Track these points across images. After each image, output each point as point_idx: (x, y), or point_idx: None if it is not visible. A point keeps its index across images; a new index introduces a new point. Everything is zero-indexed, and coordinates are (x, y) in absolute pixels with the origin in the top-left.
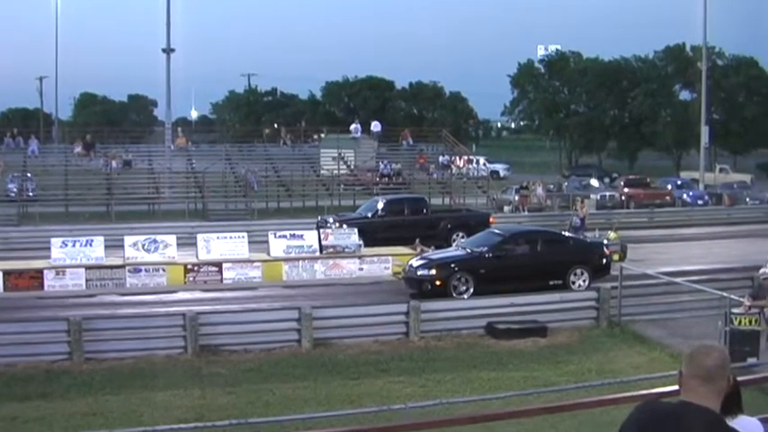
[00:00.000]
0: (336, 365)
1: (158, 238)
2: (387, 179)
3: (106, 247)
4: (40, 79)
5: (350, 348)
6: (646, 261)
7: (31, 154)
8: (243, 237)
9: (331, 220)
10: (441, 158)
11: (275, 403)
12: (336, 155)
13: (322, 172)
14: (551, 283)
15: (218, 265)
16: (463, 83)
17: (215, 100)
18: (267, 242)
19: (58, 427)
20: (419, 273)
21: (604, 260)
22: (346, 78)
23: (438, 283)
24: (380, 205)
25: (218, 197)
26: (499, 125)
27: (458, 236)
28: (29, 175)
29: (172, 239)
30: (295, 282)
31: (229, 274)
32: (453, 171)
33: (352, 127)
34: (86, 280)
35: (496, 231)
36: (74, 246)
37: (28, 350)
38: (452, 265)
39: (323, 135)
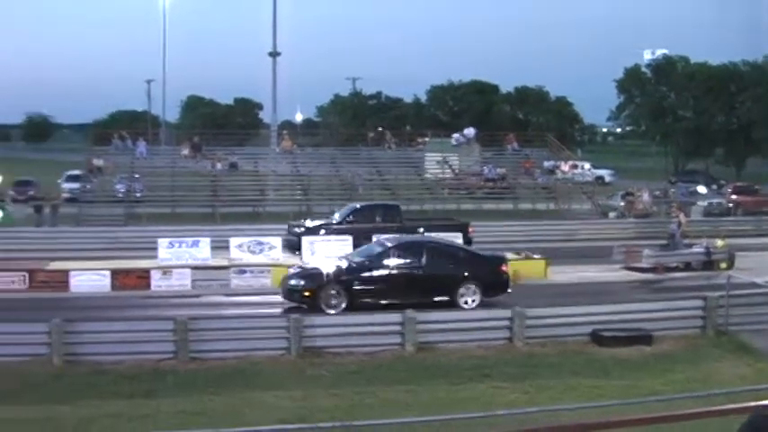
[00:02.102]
0: (439, 370)
1: (263, 240)
2: (491, 183)
3: (212, 248)
4: (148, 82)
5: (453, 353)
6: (754, 270)
7: (139, 155)
8: (347, 240)
9: (299, 227)
10: (545, 163)
11: (377, 406)
12: (441, 159)
13: (426, 176)
14: (436, 299)
15: None
16: (569, 87)
17: (320, 103)
18: None
19: (163, 425)
20: (290, 282)
21: (500, 276)
22: (451, 82)
23: (307, 294)
24: (350, 211)
25: (322, 200)
26: (605, 130)
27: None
28: (136, 176)
29: (276, 241)
30: None
31: None
32: (558, 176)
33: (465, 132)
34: (192, 280)
35: (382, 241)
36: (180, 246)
37: (134, 348)
38: (324, 277)
39: (427, 139)
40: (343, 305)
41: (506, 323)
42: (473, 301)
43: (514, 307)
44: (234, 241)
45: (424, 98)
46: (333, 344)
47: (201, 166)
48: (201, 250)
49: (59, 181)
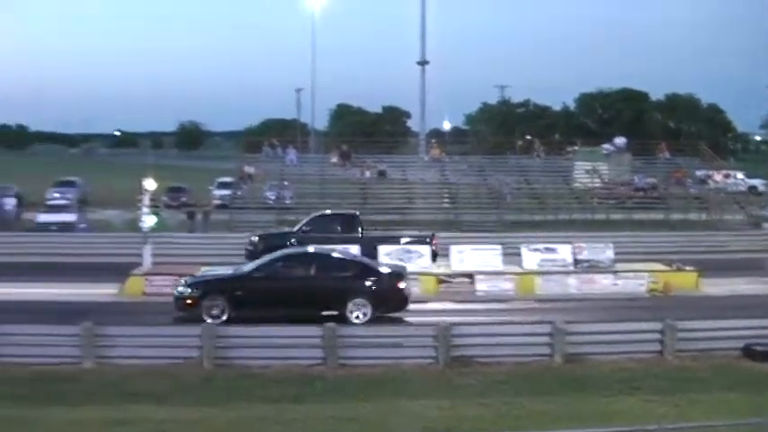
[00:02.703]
0: (588, 381)
1: (412, 248)
2: (641, 193)
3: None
4: (298, 91)
5: (602, 365)
6: None
7: (289, 163)
8: (496, 249)
9: (255, 238)
10: (697, 173)
11: (525, 417)
12: (590, 168)
13: (575, 185)
14: (324, 313)
15: (471, 276)
16: (720, 94)
17: (468, 111)
18: (520, 255)
19: (312, 431)
20: (178, 290)
21: (394, 291)
22: (600, 90)
23: (189, 302)
24: (306, 220)
25: (470, 208)
26: (758, 138)
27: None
28: (286, 183)
29: (426, 250)
30: (548, 295)
31: (482, 285)
32: (710, 186)
33: (616, 141)
34: None
35: (277, 252)
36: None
37: (283, 354)
38: (205, 285)
39: (576, 147)
40: (225, 316)
41: (657, 336)
42: (363, 315)
43: (665, 319)
44: (382, 249)
45: (572, 106)
46: (481, 353)
47: (350, 174)
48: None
49: (211, 188)
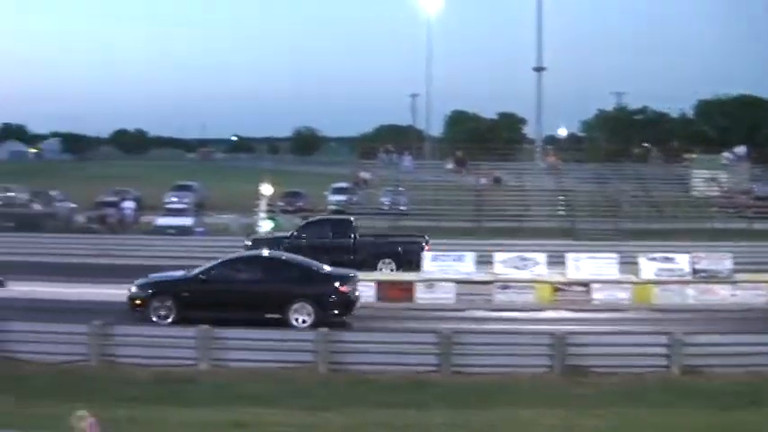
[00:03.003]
0: (706, 394)
1: (528, 255)
2: (762, 202)
3: (475, 262)
4: (413, 96)
5: (720, 377)
6: None
7: (404, 169)
8: (613, 257)
9: (249, 242)
10: None
11: (640, 429)
12: (709, 176)
13: (693, 193)
14: (267, 316)
15: (587, 285)
16: None
17: (584, 117)
18: (637, 264)
19: None
20: (131, 290)
21: (337, 296)
22: (718, 97)
23: (138, 303)
24: (300, 226)
25: (586, 216)
26: None
27: (384, 263)
28: (401, 189)
29: (541, 257)
30: (665, 305)
31: (598, 294)
32: None
33: (736, 150)
34: (456, 294)
35: (229, 256)
36: (445, 260)
37: (397, 359)
38: (155, 287)
39: (694, 155)
40: (172, 317)
41: None
42: (306, 319)
43: None
44: (498, 256)
45: (690, 113)
46: (596, 363)
47: (466, 181)
48: (465, 264)
49: (326, 193)
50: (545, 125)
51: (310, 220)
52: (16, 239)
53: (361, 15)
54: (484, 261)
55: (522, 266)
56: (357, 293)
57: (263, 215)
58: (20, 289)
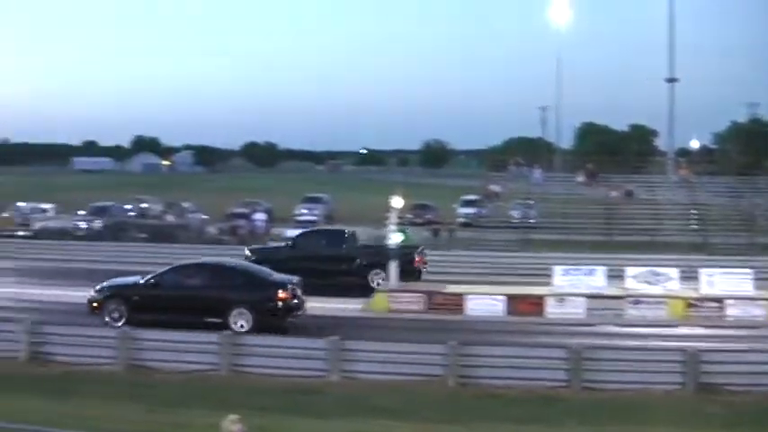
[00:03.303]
0: None
1: (660, 270)
2: None
3: (607, 277)
4: (543, 109)
5: None
6: None
7: (534, 182)
8: (747, 273)
9: (248, 252)
10: None
11: None
12: None
13: None
14: (208, 320)
15: (721, 300)
16: None
17: (717, 129)
18: None
19: None
20: (90, 294)
21: (275, 302)
22: None
23: (96, 305)
24: (293, 236)
25: (719, 231)
26: None
27: (376, 273)
28: (531, 202)
29: (674, 272)
30: None
31: (732, 310)
32: None
33: None
34: (586, 309)
35: (178, 263)
36: (575, 274)
37: (527, 374)
38: (109, 291)
39: None
40: (123, 320)
41: None
42: (244, 325)
43: None
44: (630, 271)
45: None
46: (730, 381)
47: (596, 194)
48: (596, 279)
49: (455, 205)
50: (677, 137)
51: (306, 231)
52: (150, 250)
53: (490, 28)
54: (615, 275)
55: (654, 281)
56: (298, 300)
57: (392, 227)
58: None
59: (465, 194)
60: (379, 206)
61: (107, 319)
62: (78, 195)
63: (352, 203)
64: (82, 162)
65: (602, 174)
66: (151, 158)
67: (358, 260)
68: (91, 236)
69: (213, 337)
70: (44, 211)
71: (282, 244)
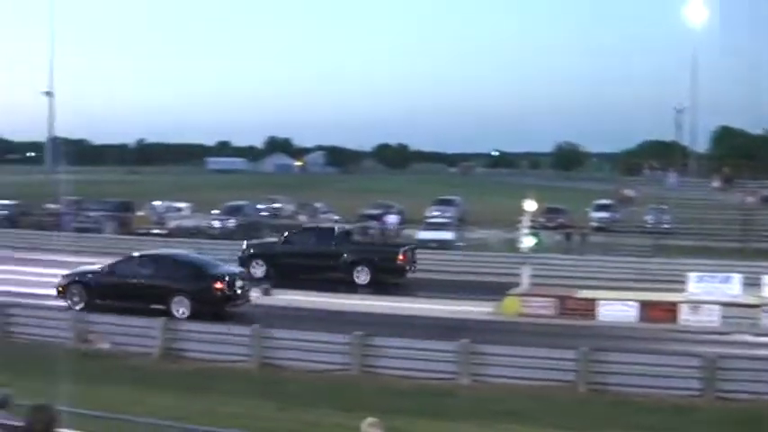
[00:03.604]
0: None
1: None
2: None
3: (743, 284)
4: (678, 111)
5: None
6: None
7: (669, 186)
8: None
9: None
10: None
11: None
12: None
13: None
14: (153, 306)
15: None
16: None
17: None
18: None
19: None
20: (58, 280)
21: (211, 292)
22: None
23: (60, 290)
24: (287, 233)
25: None
26: None
27: (361, 270)
28: (665, 207)
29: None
30: None
31: None
32: None
33: None
34: (721, 317)
35: (132, 254)
36: (710, 281)
37: (658, 382)
38: (71, 277)
39: None
40: (82, 304)
41: None
42: (183, 311)
43: None
44: (766, 279)
45: None
46: None
47: (732, 199)
48: (732, 286)
49: (588, 209)
50: None
51: (300, 228)
52: None
53: (624, 28)
54: (751, 283)
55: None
56: (240, 290)
57: (525, 231)
58: (284, 297)
59: (598, 198)
60: (512, 209)
61: (69, 302)
62: (212, 195)
63: (484, 206)
64: (216, 162)
65: (738, 179)
66: (283, 159)
67: (344, 257)
68: (224, 235)
69: (345, 337)
70: (179, 210)
71: (277, 240)
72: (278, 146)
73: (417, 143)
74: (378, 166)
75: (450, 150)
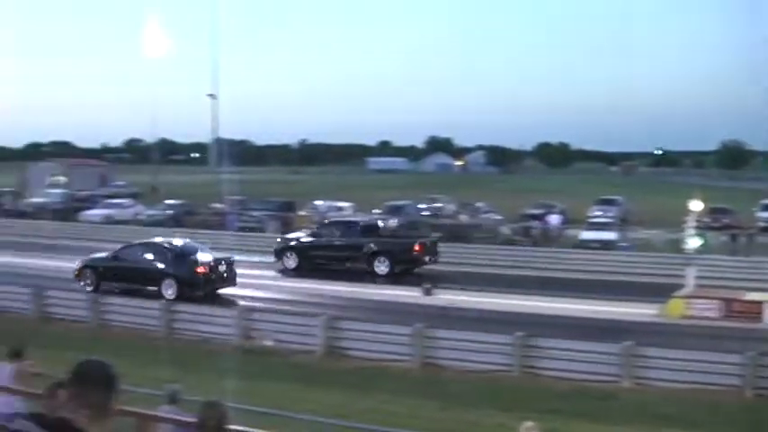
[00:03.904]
0: None
1: None
2: None
3: None
4: None
5: None
6: None
7: None
8: None
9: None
10: None
11: None
12: None
13: None
14: (148, 288)
15: None
16: None
17: None
18: None
19: None
20: (75, 264)
21: (193, 276)
22: None
23: (76, 274)
24: (318, 226)
25: None
26: None
27: (380, 261)
28: None
29: None
30: None
31: None
32: None
33: None
34: None
35: (134, 242)
36: None
37: None
38: (85, 262)
39: None
40: (93, 286)
41: None
42: (171, 293)
43: None
44: None
45: None
46: None
47: None
48: None
49: (754, 209)
50: None
51: (327, 221)
52: (443, 249)
53: None
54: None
55: None
56: (225, 275)
57: (690, 231)
58: (446, 297)
59: (765, 198)
60: (675, 209)
61: (82, 284)
62: (373, 194)
63: (647, 206)
64: (376, 162)
65: None
66: (444, 158)
67: (365, 248)
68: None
69: (506, 338)
70: (340, 209)
71: (308, 233)
72: (438, 145)
73: (579, 142)
74: (538, 166)
75: (612, 149)
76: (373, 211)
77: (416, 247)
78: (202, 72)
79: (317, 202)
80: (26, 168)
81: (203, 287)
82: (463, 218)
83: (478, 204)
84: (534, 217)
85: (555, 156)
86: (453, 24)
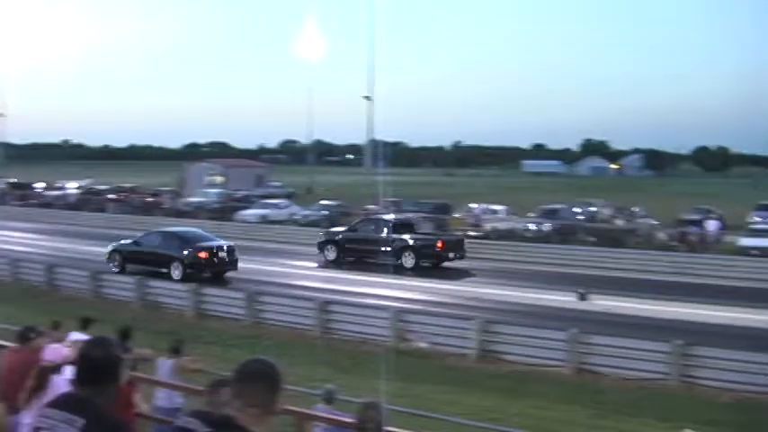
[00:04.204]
0: None
1: None
2: None
3: None
4: None
5: None
6: None
7: None
8: None
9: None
10: None
11: None
12: None
13: None
14: (162, 270)
15: None
16: None
17: None
18: None
19: None
20: (107, 248)
21: (197, 260)
22: None
23: (107, 257)
24: (356, 221)
25: None
26: None
27: (407, 255)
28: None
29: None
30: None
31: None
32: None
33: None
34: None
35: (154, 230)
36: None
37: None
38: (114, 247)
39: None
40: (119, 268)
41: None
42: (177, 274)
43: None
44: None
45: None
46: None
47: None
48: None
49: None
50: None
51: (363, 218)
52: (598, 254)
53: None
54: None
55: None
56: (227, 260)
57: None
58: (601, 303)
59: None
60: None
61: (111, 266)
62: (528, 197)
63: None
64: (531, 165)
65: None
66: (599, 162)
67: (394, 243)
68: (539, 238)
69: (663, 345)
70: (495, 212)
71: (346, 228)
72: (594, 148)
73: (739, 145)
74: (695, 170)
75: None
76: (528, 214)
77: (439, 244)
78: (359, 74)
79: (473, 205)
80: (184, 168)
81: (205, 270)
82: (619, 222)
83: (634, 209)
84: (692, 222)
85: (712, 160)
86: (610, 24)
